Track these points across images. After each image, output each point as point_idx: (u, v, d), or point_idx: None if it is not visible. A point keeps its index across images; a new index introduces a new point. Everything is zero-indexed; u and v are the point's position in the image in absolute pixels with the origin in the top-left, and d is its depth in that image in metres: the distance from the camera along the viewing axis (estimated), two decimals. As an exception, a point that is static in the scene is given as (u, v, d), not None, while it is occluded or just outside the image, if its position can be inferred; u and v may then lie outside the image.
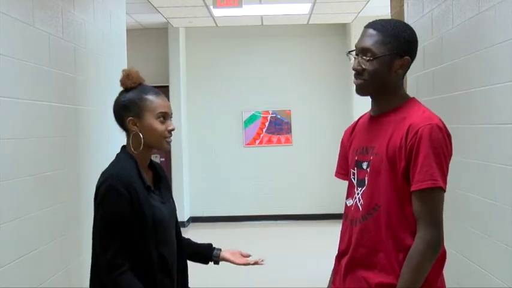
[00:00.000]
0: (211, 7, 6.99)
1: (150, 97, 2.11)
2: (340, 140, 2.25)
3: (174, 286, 2.18)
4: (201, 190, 9.28)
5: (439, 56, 3.74)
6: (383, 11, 7.03)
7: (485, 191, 3.09)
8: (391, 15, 5.12)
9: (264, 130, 9.35)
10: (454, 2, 3.46)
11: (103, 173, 2.10)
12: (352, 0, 7.20)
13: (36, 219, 3.30)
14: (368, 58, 1.93)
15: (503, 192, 2.85)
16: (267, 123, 9.34)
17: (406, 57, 1.96)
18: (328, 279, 2.19)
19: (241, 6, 6.70)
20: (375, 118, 2.06)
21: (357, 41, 2.02)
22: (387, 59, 1.93)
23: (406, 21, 4.49)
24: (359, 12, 7.92)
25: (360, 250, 1.96)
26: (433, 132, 1.85)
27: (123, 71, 2.16)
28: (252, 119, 9.35)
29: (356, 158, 2.04)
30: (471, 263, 3.28)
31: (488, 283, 3.03)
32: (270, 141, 9.36)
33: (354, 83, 2.01)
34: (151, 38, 9.02)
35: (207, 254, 2.39)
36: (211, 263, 2.41)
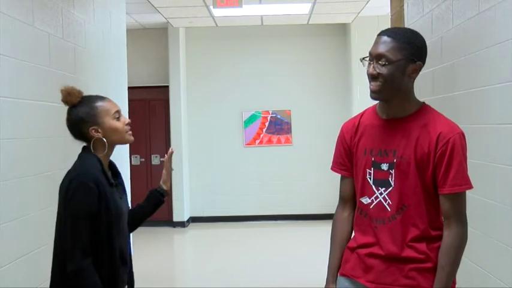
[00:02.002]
0: (211, 7, 6.99)
1: (100, 103, 2.30)
2: (339, 135, 2.31)
3: (127, 273, 2.35)
4: (201, 190, 9.28)
5: (439, 56, 3.74)
6: (383, 11, 7.04)
7: (485, 191, 3.09)
8: (391, 16, 5.12)
9: (264, 130, 9.35)
10: (454, 2, 3.46)
11: (70, 172, 2.26)
12: (352, 0, 7.20)
13: (36, 219, 3.31)
14: (383, 63, 2.04)
15: (503, 192, 2.85)
16: (267, 123, 9.34)
17: (419, 62, 2.08)
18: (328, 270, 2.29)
19: (241, 6, 6.70)
20: (389, 122, 2.15)
21: (371, 47, 2.11)
22: (402, 64, 2.05)
23: (406, 21, 4.49)
24: (359, 12, 7.92)
25: (390, 247, 2.09)
26: (462, 141, 2.06)
27: (62, 90, 2.30)
28: (252, 119, 9.35)
29: (373, 159, 2.15)
30: (471, 263, 3.28)
31: (488, 283, 3.03)
32: (270, 141, 9.36)
33: (370, 87, 2.11)
34: (151, 38, 9.02)
35: (157, 196, 2.53)
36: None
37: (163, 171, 2.55)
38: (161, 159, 8.89)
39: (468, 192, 3.28)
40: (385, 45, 2.05)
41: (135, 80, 8.19)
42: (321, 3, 7.26)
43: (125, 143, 2.36)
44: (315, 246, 7.31)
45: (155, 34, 9.00)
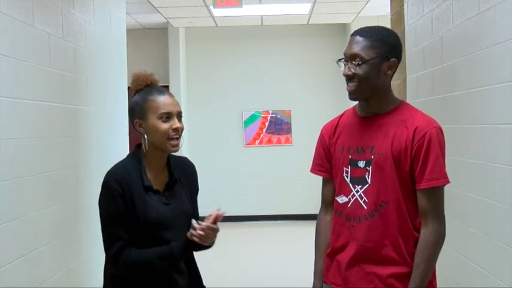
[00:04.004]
0: (211, 7, 6.99)
1: (153, 97, 2.11)
2: (319, 136, 2.31)
3: (185, 276, 2.19)
4: (201, 190, 9.22)
5: (439, 56, 3.74)
6: (383, 11, 7.04)
7: (485, 191, 3.09)
8: (391, 16, 5.12)
9: (264, 130, 9.35)
10: (454, 2, 3.46)
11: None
12: (352, 0, 7.20)
13: (36, 219, 3.30)
14: (357, 63, 2.05)
15: (503, 192, 2.85)
16: (267, 123, 9.34)
17: (393, 59, 2.08)
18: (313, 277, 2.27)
19: (241, 6, 6.70)
20: (367, 119, 2.15)
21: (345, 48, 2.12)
22: (376, 62, 2.05)
23: (406, 21, 4.49)
24: (359, 12, 7.92)
25: (367, 245, 2.06)
26: (439, 135, 2.03)
27: (133, 74, 2.17)
28: (252, 119, 9.35)
29: (350, 156, 2.13)
30: (471, 263, 3.28)
31: (488, 283, 3.03)
32: (270, 141, 9.36)
33: (347, 89, 2.13)
34: (151, 38, 9.02)
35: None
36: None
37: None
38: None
39: (468, 192, 3.30)
40: (358, 44, 2.06)
41: (135, 80, 8.19)
42: (321, 3, 7.26)
43: (164, 150, 2.12)
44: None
45: (155, 34, 9.00)
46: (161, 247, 2.06)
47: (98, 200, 2.12)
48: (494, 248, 2.96)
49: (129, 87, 2.24)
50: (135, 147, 2.20)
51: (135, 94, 2.17)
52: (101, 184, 2.13)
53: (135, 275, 2.07)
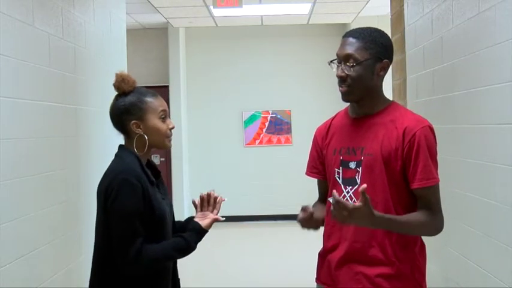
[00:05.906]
0: (211, 7, 6.99)
1: (150, 99, 2.16)
2: (313, 139, 2.32)
3: (170, 278, 2.23)
4: (201, 190, 9.22)
5: (439, 56, 3.74)
6: (383, 11, 7.04)
7: (485, 191, 3.09)
8: (391, 16, 5.12)
9: (264, 130, 9.36)
10: (454, 2, 3.46)
11: (108, 172, 2.11)
12: (352, 0, 7.20)
13: (36, 219, 3.30)
14: (351, 64, 2.04)
15: (503, 192, 2.85)
16: (267, 123, 9.35)
17: (386, 60, 2.09)
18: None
19: (241, 6, 6.70)
20: (357, 120, 2.15)
21: (338, 49, 2.12)
22: (369, 63, 2.06)
23: (406, 21, 4.49)
24: (359, 12, 7.92)
25: (355, 246, 2.07)
26: (428, 134, 2.04)
27: (117, 75, 2.19)
28: (252, 119, 9.35)
29: (341, 157, 2.14)
30: (471, 263, 3.28)
31: (488, 283, 3.03)
32: (270, 141, 9.37)
33: (340, 90, 2.11)
34: (151, 38, 9.02)
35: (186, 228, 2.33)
36: None
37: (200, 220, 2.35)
38: (162, 158, 8.89)
39: (468, 192, 3.30)
40: (352, 45, 2.06)
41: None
42: (321, 3, 7.26)
43: (162, 147, 2.23)
44: (315, 246, 7.30)
45: (155, 34, 9.01)
46: (173, 240, 2.13)
47: (110, 200, 2.04)
48: (494, 248, 2.96)
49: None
50: (120, 148, 2.20)
51: (124, 95, 2.17)
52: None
53: (152, 272, 2.08)
